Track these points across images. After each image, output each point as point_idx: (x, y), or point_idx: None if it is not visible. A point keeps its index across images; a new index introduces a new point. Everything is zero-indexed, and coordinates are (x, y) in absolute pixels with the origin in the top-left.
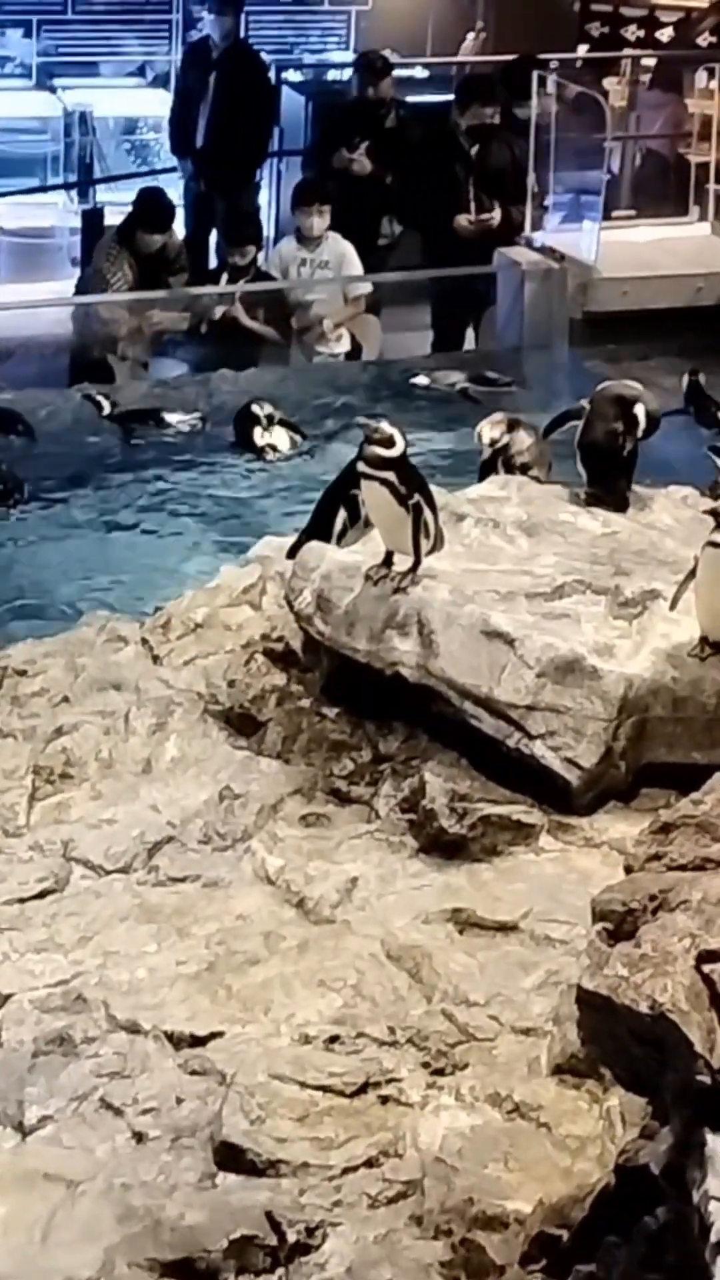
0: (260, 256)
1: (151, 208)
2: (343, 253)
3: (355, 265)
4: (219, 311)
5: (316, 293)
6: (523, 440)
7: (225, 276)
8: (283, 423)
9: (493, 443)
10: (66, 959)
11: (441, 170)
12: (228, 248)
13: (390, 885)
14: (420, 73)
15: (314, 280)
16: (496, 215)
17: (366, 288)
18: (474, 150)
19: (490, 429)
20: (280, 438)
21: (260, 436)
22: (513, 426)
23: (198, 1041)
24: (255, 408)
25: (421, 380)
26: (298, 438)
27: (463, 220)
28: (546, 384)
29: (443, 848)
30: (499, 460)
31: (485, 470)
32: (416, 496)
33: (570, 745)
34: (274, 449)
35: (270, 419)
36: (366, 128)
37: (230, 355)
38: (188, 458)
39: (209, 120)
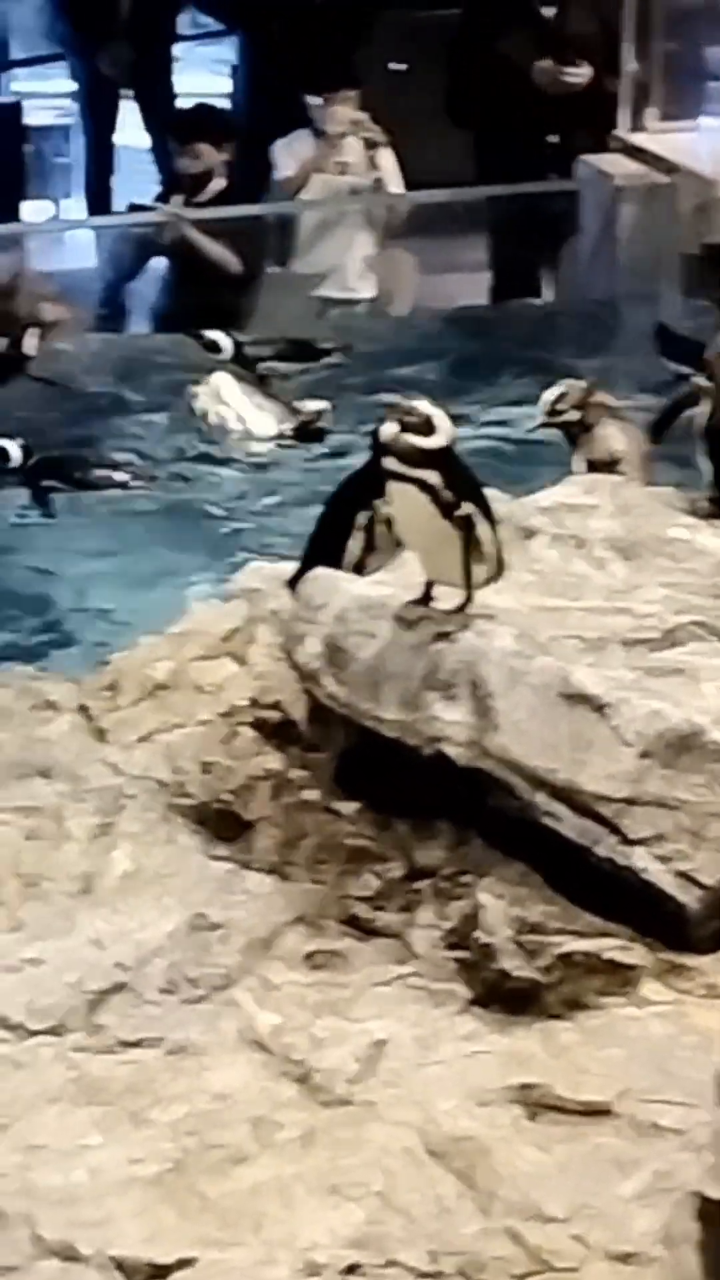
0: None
1: None
2: (375, 162)
3: (394, 178)
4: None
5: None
6: (609, 430)
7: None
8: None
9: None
10: None
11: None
12: (178, 146)
13: (432, 1052)
14: None
15: (311, 202)
16: (585, 71)
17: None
18: None
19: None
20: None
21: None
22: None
23: (159, 1272)
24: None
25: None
26: (283, 423)
27: (547, 64)
28: (644, 350)
29: (506, 999)
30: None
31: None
32: (468, 505)
33: (686, 854)
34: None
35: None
36: None
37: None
38: (135, 445)
39: None
